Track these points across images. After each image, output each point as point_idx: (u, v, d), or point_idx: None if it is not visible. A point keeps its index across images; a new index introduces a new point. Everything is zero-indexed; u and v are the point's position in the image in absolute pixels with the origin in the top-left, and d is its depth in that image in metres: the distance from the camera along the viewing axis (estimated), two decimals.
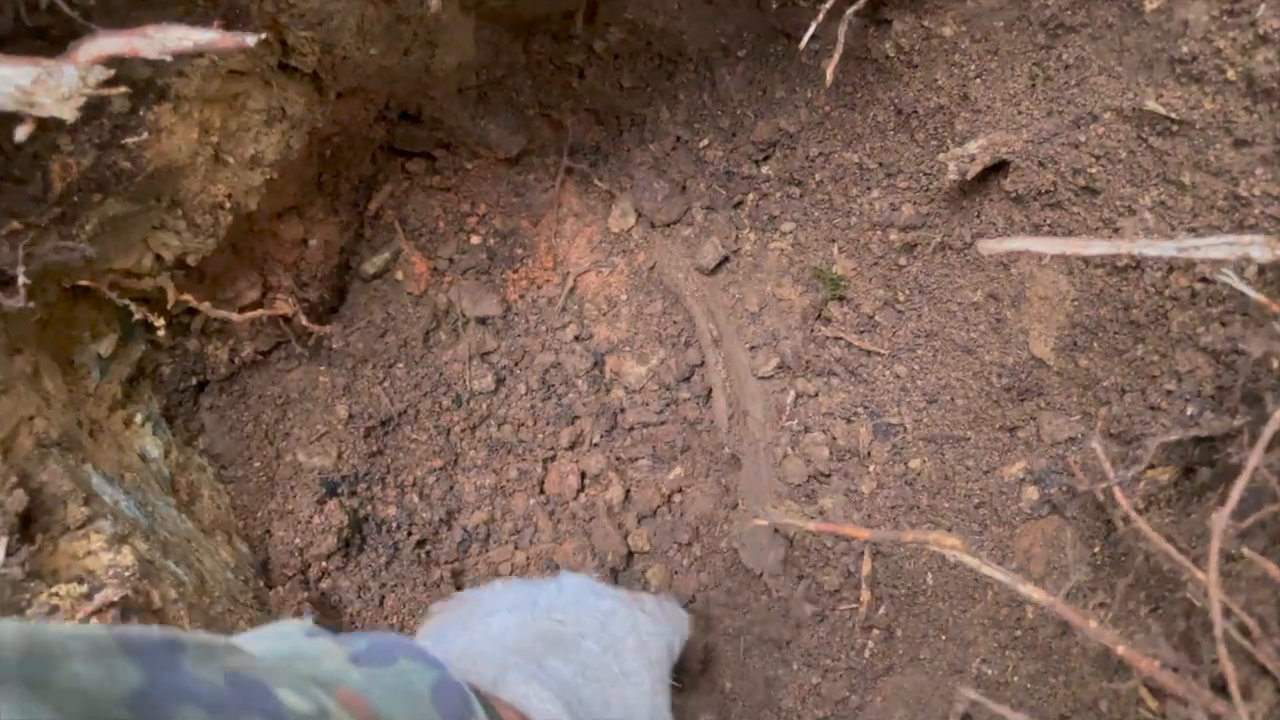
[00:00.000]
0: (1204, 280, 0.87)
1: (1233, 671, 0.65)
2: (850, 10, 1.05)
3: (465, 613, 1.01)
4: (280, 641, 0.66)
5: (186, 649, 0.49)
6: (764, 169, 1.39)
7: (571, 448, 1.46)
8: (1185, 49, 0.86)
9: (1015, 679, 1.01)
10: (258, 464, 1.33)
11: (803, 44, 1.07)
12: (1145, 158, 0.93)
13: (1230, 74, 0.83)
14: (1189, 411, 0.86)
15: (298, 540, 1.31)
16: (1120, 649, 0.73)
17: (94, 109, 0.83)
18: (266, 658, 0.57)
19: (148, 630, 0.51)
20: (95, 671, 0.43)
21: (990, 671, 1.04)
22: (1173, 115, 0.88)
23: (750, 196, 1.41)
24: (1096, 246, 0.77)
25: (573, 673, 0.89)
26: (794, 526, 1.02)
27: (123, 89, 0.76)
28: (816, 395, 1.33)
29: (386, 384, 1.42)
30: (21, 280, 0.84)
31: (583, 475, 1.44)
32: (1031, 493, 1.06)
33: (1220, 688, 0.68)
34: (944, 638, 1.10)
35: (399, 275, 1.45)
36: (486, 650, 0.89)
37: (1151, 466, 0.88)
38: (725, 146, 1.41)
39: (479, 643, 0.92)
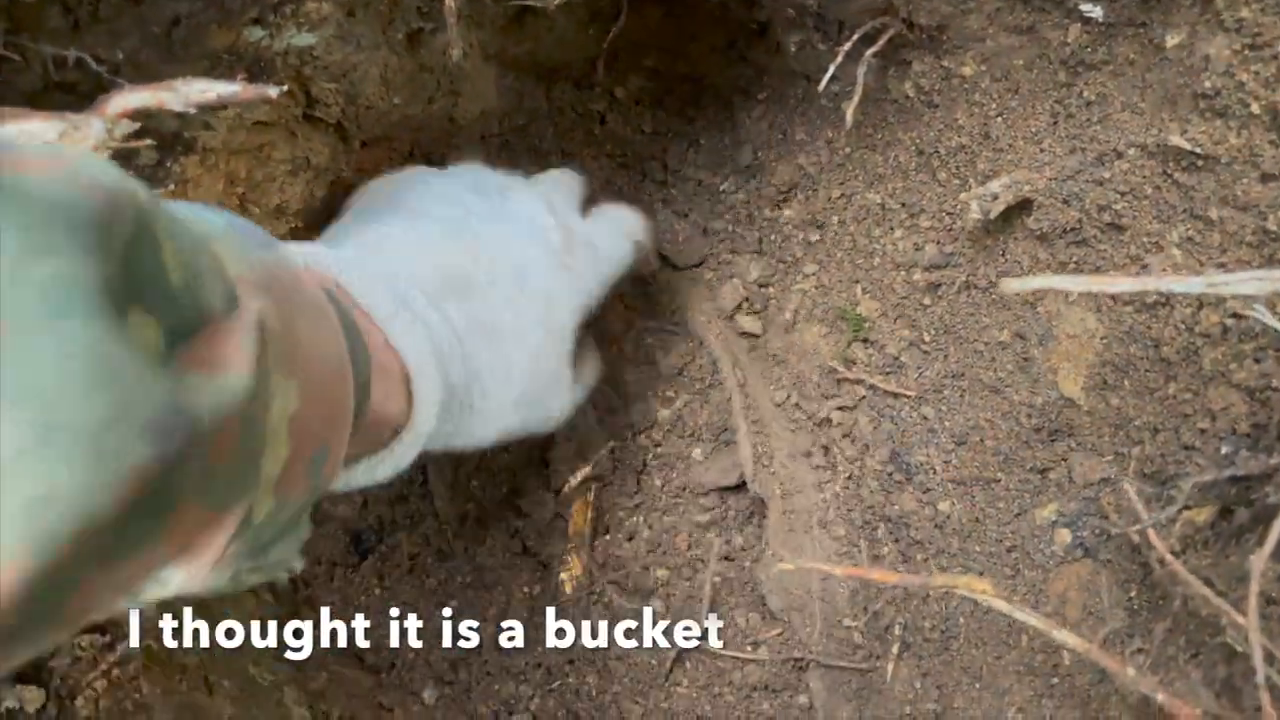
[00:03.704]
0: (1235, 316, 0.86)
1: (1276, 719, 0.63)
2: (869, 52, 1.06)
3: (397, 199, 0.96)
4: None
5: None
6: (785, 210, 1.39)
7: (595, 494, 1.45)
8: (1208, 84, 0.86)
9: None
10: None
11: (822, 86, 1.08)
12: (1171, 193, 0.93)
13: (1255, 108, 0.83)
14: (1223, 450, 0.84)
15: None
16: (1160, 696, 0.71)
17: (122, 161, 0.85)
18: None
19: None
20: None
21: None
22: (1198, 150, 0.88)
23: (772, 238, 1.42)
24: (1122, 284, 0.76)
25: (466, 324, 0.85)
26: (820, 570, 1.01)
27: (149, 141, 0.78)
28: (844, 438, 1.32)
29: None
30: None
31: (605, 516, 1.44)
32: (1064, 535, 1.05)
33: None
34: (978, 686, 1.08)
35: None
36: (393, 271, 0.82)
37: (1187, 507, 0.87)
38: (746, 189, 1.42)
39: (391, 260, 0.85)
